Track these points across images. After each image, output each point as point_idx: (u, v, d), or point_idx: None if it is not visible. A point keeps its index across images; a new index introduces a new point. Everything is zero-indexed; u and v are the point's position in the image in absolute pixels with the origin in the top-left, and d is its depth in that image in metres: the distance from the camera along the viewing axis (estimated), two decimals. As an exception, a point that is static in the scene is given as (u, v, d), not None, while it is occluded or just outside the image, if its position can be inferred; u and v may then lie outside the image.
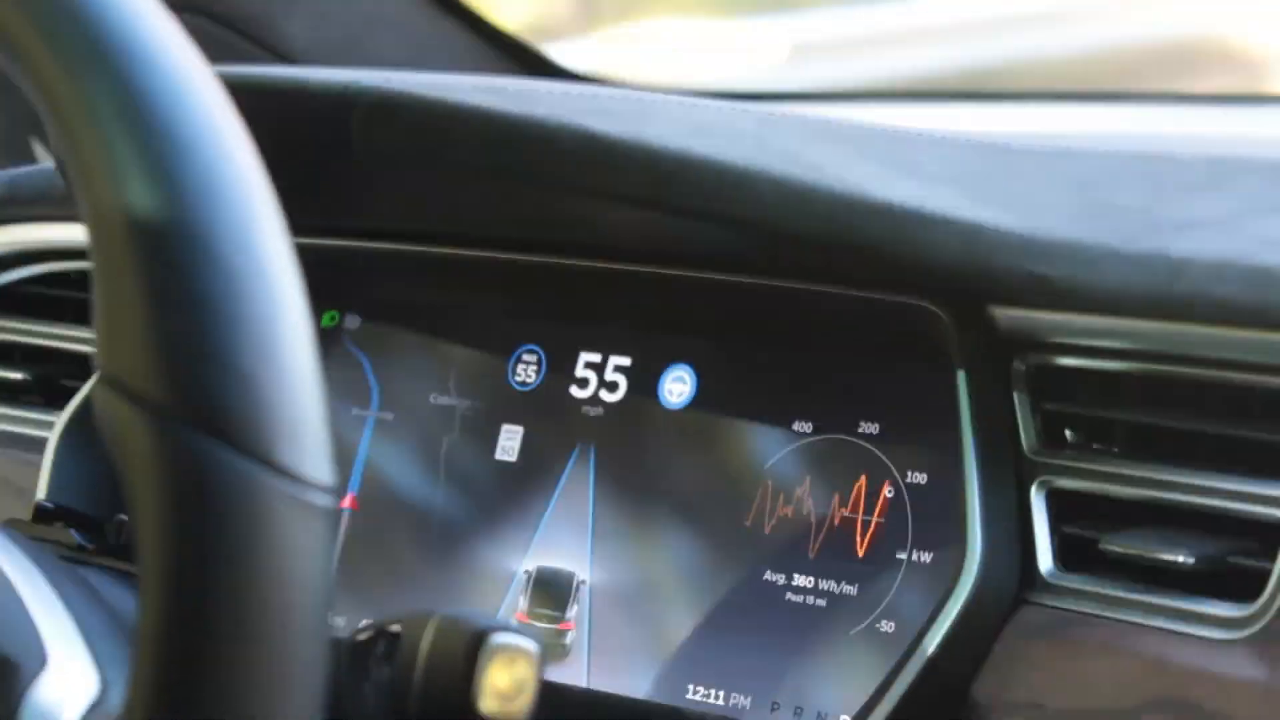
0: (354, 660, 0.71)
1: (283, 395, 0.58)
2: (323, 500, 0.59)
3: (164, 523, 0.57)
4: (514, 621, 1.05)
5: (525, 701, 0.68)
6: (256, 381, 0.57)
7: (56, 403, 1.24)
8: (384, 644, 0.71)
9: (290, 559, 0.58)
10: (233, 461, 0.57)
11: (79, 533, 0.90)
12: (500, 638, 0.68)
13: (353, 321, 1.17)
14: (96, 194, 0.58)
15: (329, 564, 0.60)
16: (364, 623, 0.72)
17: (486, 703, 0.68)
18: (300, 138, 0.99)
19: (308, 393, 0.59)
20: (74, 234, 1.26)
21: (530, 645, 0.68)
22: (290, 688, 0.59)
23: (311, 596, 0.59)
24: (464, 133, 0.96)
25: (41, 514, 0.93)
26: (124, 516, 0.88)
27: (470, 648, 0.68)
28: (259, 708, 0.58)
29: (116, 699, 0.67)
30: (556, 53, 1.72)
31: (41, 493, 1.16)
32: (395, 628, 0.71)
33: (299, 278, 0.60)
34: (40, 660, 0.68)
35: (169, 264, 0.57)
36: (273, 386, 0.58)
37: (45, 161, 1.63)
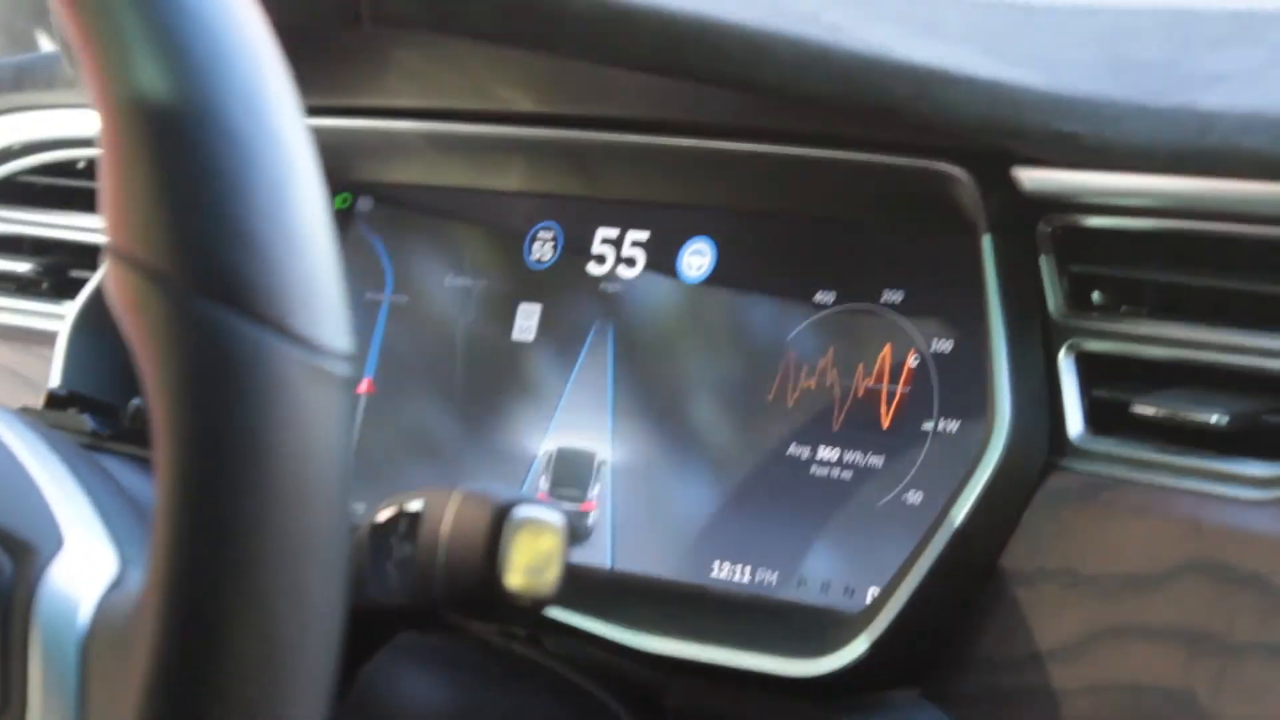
0: (375, 539, 0.71)
1: (297, 264, 0.57)
2: (340, 368, 0.58)
3: (179, 393, 0.56)
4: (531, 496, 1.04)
5: (552, 576, 0.67)
6: (270, 250, 0.57)
7: (66, 294, 1.23)
8: (405, 522, 0.70)
9: (309, 427, 0.57)
10: (248, 330, 0.56)
11: (93, 418, 0.89)
12: (524, 510, 0.67)
13: (365, 204, 1.16)
14: (106, 73, 0.58)
15: (348, 433, 0.59)
16: (383, 503, 0.71)
17: (512, 577, 0.67)
18: (308, 11, 0.98)
19: (323, 262, 0.58)
20: (81, 122, 1.26)
21: (556, 518, 0.67)
22: (313, 564, 0.58)
23: (331, 466, 0.58)
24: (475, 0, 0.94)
25: (55, 401, 0.92)
26: (138, 401, 0.88)
27: (494, 522, 0.67)
28: (282, 580, 0.57)
29: (135, 577, 0.66)
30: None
31: (55, 382, 1.15)
32: (416, 506, 0.70)
33: (312, 149, 0.59)
34: (57, 541, 0.68)
35: (179, 137, 0.57)
36: (287, 255, 0.57)
37: (49, 49, 1.61)
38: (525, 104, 1.08)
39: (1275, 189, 0.84)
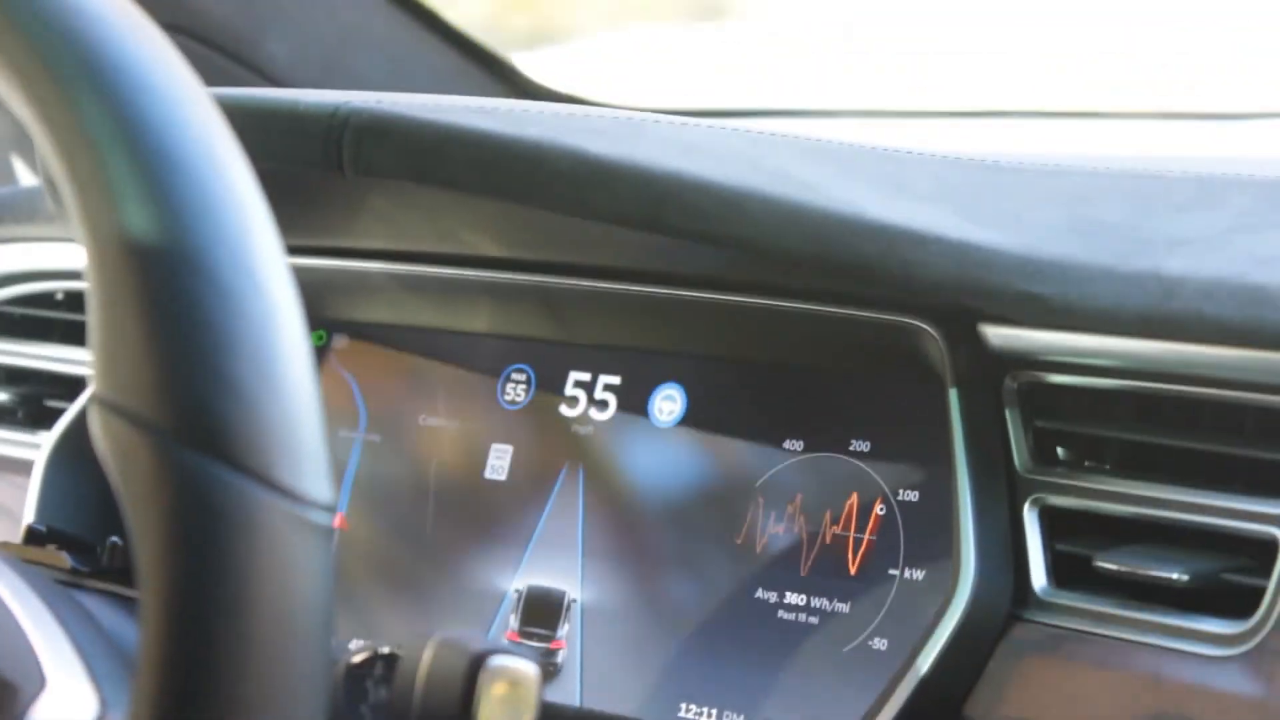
0: (351, 682, 0.71)
1: (282, 414, 0.58)
2: (323, 519, 0.59)
3: (164, 543, 0.57)
4: (505, 641, 1.05)
5: (525, 724, 0.68)
6: (255, 401, 0.57)
7: (42, 424, 1.24)
8: (381, 666, 0.71)
9: (291, 578, 0.58)
10: (233, 481, 0.57)
11: (72, 555, 0.89)
12: (500, 660, 0.68)
13: (340, 341, 1.17)
14: (93, 215, 0.58)
15: (329, 583, 0.60)
16: (358, 644, 0.71)
17: (486, 725, 0.67)
18: (291, 159, 0.99)
19: (306, 412, 0.59)
20: (61, 255, 1.27)
21: (530, 668, 0.68)
22: (293, 709, 0.59)
23: (313, 615, 0.59)
24: (457, 154, 0.96)
25: (33, 537, 0.93)
26: (117, 539, 0.88)
27: (470, 670, 0.68)
28: (263, 728, 0.58)
29: (116, 718, 0.67)
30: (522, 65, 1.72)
31: (30, 515, 1.16)
32: (391, 649, 0.70)
33: (297, 298, 0.60)
34: (39, 682, 0.68)
35: (166, 285, 0.57)
36: (271, 406, 0.58)
37: (27, 181, 1.62)
38: (495, 250, 1.10)
39: (1237, 354, 0.86)
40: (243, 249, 0.58)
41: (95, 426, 0.58)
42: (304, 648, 0.59)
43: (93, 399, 0.58)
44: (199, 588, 0.57)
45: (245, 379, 0.57)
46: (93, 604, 0.79)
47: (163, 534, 0.57)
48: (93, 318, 0.58)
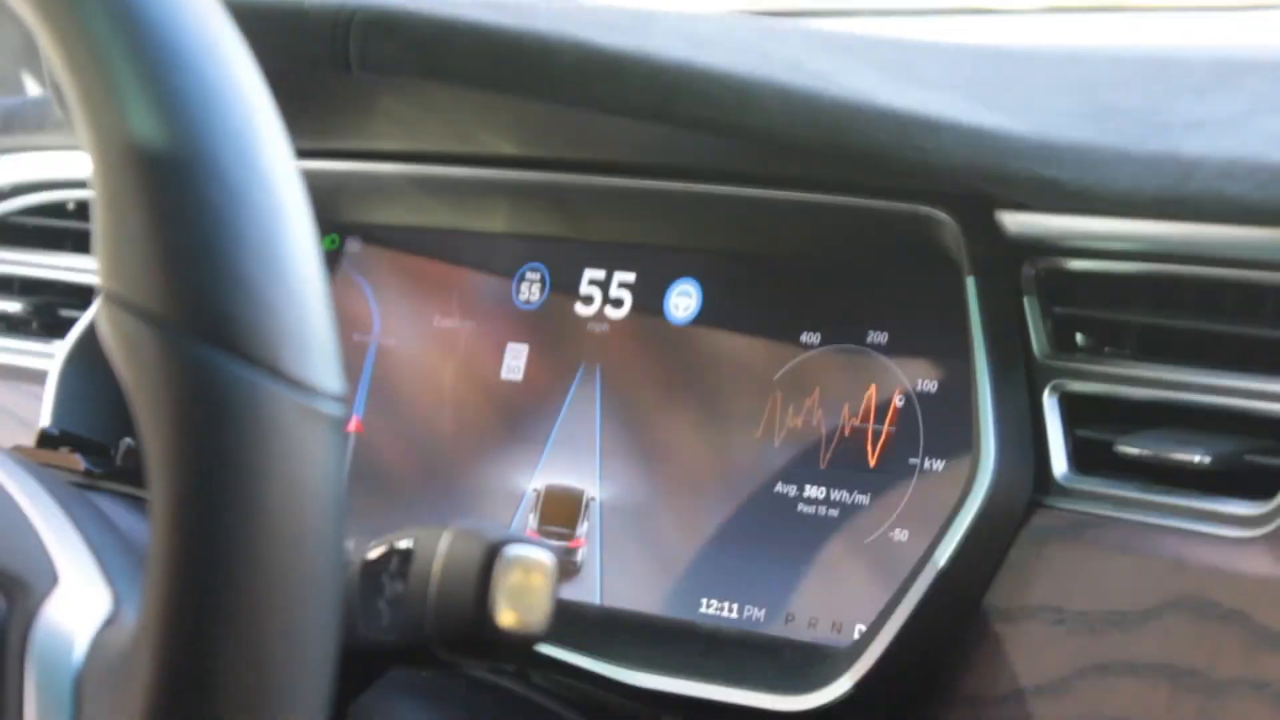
0: (366, 577, 0.71)
1: (289, 305, 0.58)
2: (333, 409, 0.59)
3: (173, 435, 0.57)
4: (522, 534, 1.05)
5: (542, 613, 0.68)
6: (262, 292, 0.57)
7: (56, 333, 1.24)
8: (396, 560, 0.70)
9: (302, 468, 0.58)
10: (240, 372, 0.57)
11: (85, 457, 0.90)
12: (515, 549, 0.67)
13: (354, 245, 1.17)
14: (97, 117, 0.58)
15: (341, 473, 0.59)
16: (374, 541, 0.71)
17: (503, 615, 0.67)
18: (298, 58, 0.99)
19: (314, 303, 0.59)
20: (71, 164, 1.26)
21: (546, 556, 0.68)
22: (306, 602, 0.59)
23: (325, 506, 0.59)
24: (464, 48, 0.95)
25: (47, 439, 0.93)
26: (130, 440, 0.88)
27: (485, 560, 0.67)
28: (275, 622, 0.58)
29: (130, 615, 0.67)
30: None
31: (45, 421, 1.16)
32: (407, 543, 0.70)
33: (303, 192, 0.60)
34: (51, 578, 0.68)
35: (172, 179, 0.57)
36: (279, 297, 0.58)
37: (36, 93, 1.62)
38: (509, 148, 1.09)
39: (1256, 233, 0.85)
40: (248, 145, 0.58)
41: (102, 322, 0.58)
42: (317, 540, 0.59)
43: (100, 295, 0.58)
44: (207, 480, 0.57)
45: (252, 272, 0.57)
46: (105, 504, 0.79)
47: (171, 426, 0.57)
48: (98, 216, 0.58)
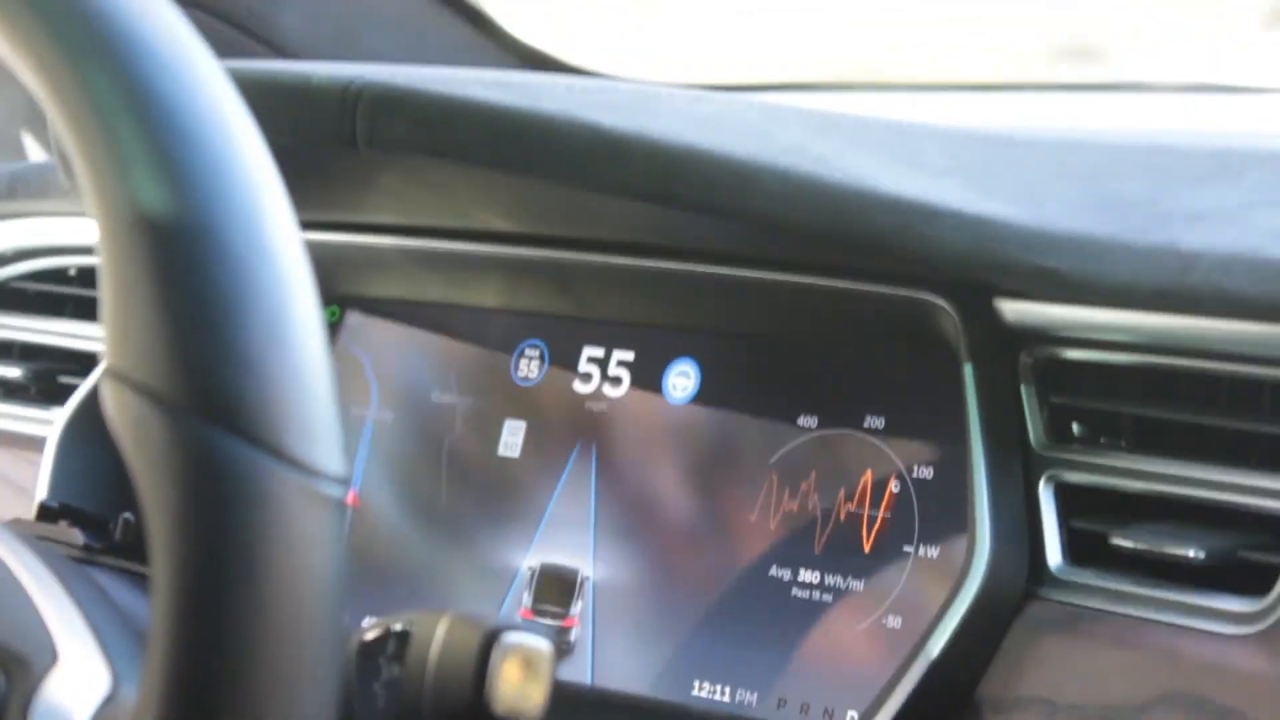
0: (363, 659, 0.71)
1: (294, 387, 0.58)
2: (336, 491, 0.59)
3: (176, 517, 0.57)
4: (518, 619, 1.05)
5: (538, 702, 0.68)
6: (268, 374, 0.57)
7: (55, 400, 1.23)
8: (394, 643, 0.70)
9: (304, 552, 0.58)
10: (245, 454, 0.56)
11: (84, 531, 0.89)
12: (514, 637, 0.67)
13: (354, 318, 1.17)
14: (105, 188, 0.58)
15: (343, 557, 0.59)
16: (371, 621, 0.71)
17: (500, 703, 0.67)
18: (304, 134, 0.99)
19: (319, 385, 0.59)
20: (73, 230, 1.26)
21: (544, 645, 0.68)
22: (305, 684, 0.59)
23: (326, 590, 0.59)
24: (470, 127, 0.96)
25: (46, 513, 0.92)
26: (129, 515, 0.88)
27: (483, 647, 0.67)
28: (274, 703, 0.58)
29: (129, 694, 0.67)
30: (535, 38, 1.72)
31: (43, 491, 1.16)
32: (404, 626, 0.70)
33: (309, 271, 0.60)
34: (51, 656, 0.68)
35: (179, 258, 0.57)
36: (284, 379, 0.57)
37: (37, 156, 1.62)
38: (504, 225, 1.09)
39: (1255, 329, 0.85)
40: (255, 222, 0.58)
41: (107, 399, 0.58)
42: (317, 623, 0.59)
43: (105, 372, 0.58)
44: (210, 561, 0.57)
45: (258, 352, 0.57)
46: (105, 580, 0.78)
47: (174, 507, 0.57)
48: (105, 291, 0.58)
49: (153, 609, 0.57)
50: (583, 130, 0.94)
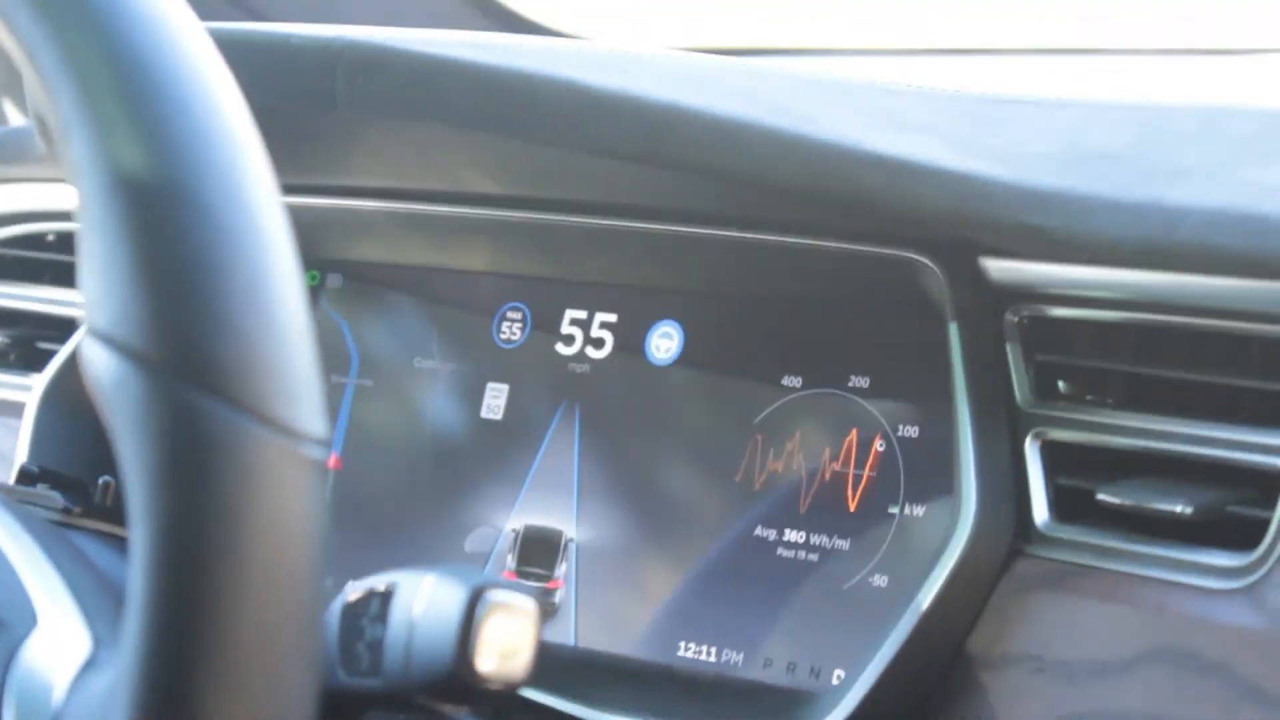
0: (347, 620, 0.70)
1: (274, 348, 0.58)
2: (317, 453, 0.58)
3: (156, 478, 0.56)
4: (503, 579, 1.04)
5: (524, 660, 0.67)
6: (248, 334, 0.57)
7: (35, 365, 1.23)
8: (376, 603, 0.70)
9: (285, 512, 0.57)
10: (225, 415, 0.56)
11: (64, 495, 0.89)
12: (497, 594, 0.67)
13: (334, 281, 1.17)
14: (85, 150, 0.58)
15: (324, 518, 0.59)
16: (354, 583, 0.71)
17: (484, 661, 0.67)
18: (285, 94, 0.98)
19: (300, 345, 0.58)
20: (52, 196, 1.26)
21: (529, 602, 0.67)
22: (287, 645, 0.58)
23: (307, 550, 0.58)
24: (451, 87, 0.95)
25: (25, 476, 0.92)
26: (109, 478, 0.88)
27: (467, 606, 0.67)
28: (256, 665, 0.57)
29: (109, 658, 0.66)
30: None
31: (23, 456, 1.15)
32: (387, 587, 0.70)
33: (289, 231, 0.59)
34: (30, 619, 0.68)
35: (159, 218, 0.57)
36: (264, 339, 0.57)
37: (16, 122, 1.61)
38: (492, 187, 1.09)
39: (1241, 284, 0.85)
40: (235, 182, 0.58)
41: (87, 361, 0.58)
42: (298, 583, 0.58)
43: (85, 333, 0.58)
44: (190, 523, 0.56)
45: (237, 312, 0.57)
46: (85, 543, 0.78)
47: (153, 468, 0.56)
48: (84, 252, 0.58)
49: (131, 572, 0.57)
50: (565, 89, 0.94)
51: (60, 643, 0.67)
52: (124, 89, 0.57)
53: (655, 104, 0.92)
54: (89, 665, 0.66)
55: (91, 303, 0.58)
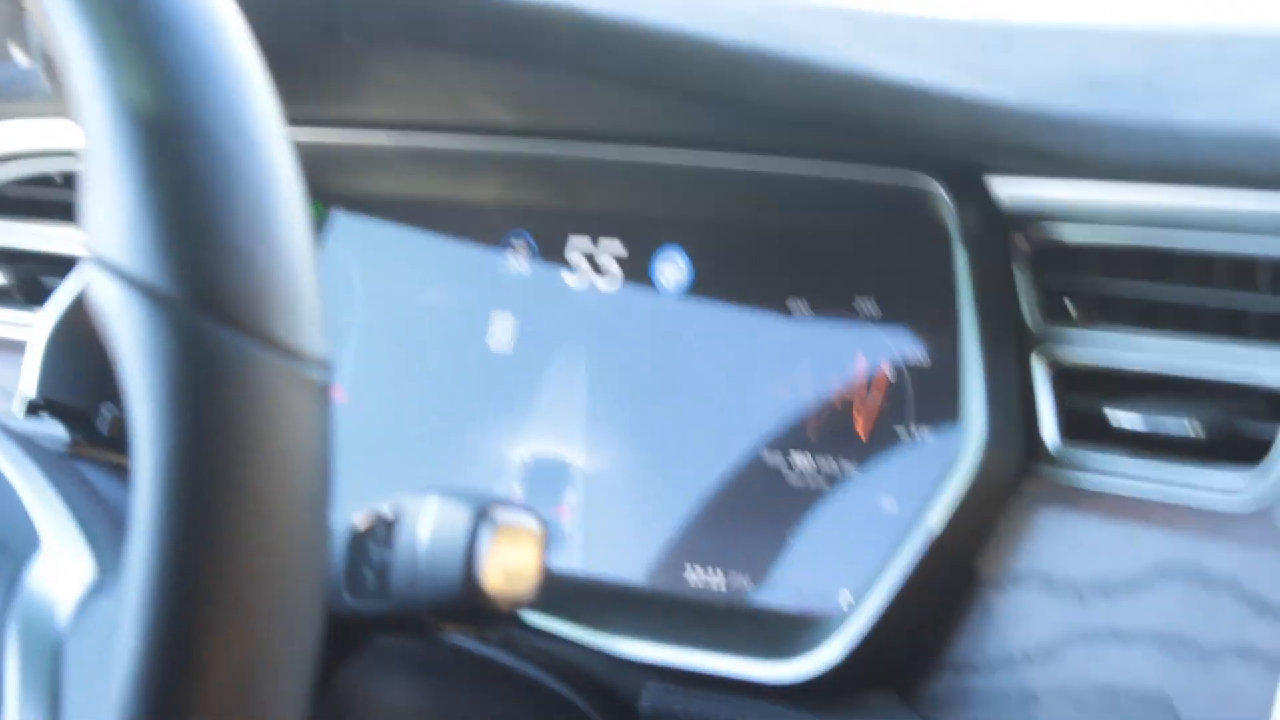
0: (353, 545, 0.70)
1: (277, 273, 0.58)
2: (321, 376, 0.58)
3: (161, 402, 0.56)
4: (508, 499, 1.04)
5: (530, 580, 0.67)
6: (251, 259, 0.57)
7: (40, 303, 1.23)
8: (383, 528, 0.70)
9: (290, 434, 0.57)
10: (228, 338, 0.56)
11: (68, 425, 0.89)
12: (503, 514, 0.67)
13: (339, 215, 1.16)
14: (91, 82, 0.58)
15: (329, 440, 0.59)
16: (361, 508, 0.71)
17: (490, 581, 0.67)
18: (290, 24, 0.98)
19: (302, 270, 0.59)
20: (56, 134, 1.25)
21: (534, 522, 0.67)
22: (294, 566, 0.58)
23: (313, 472, 0.58)
24: (456, 14, 0.94)
25: (31, 408, 0.92)
26: (113, 407, 0.88)
27: (472, 526, 0.67)
28: (262, 587, 0.57)
29: (113, 583, 0.66)
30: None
31: (29, 388, 1.15)
32: (393, 511, 0.70)
33: (293, 159, 0.59)
34: (33, 543, 0.68)
35: (162, 146, 0.57)
36: (267, 264, 0.57)
37: (22, 62, 1.61)
38: (501, 116, 1.08)
39: (1249, 200, 0.85)
40: (240, 114, 0.58)
41: (92, 287, 0.58)
42: (304, 505, 0.58)
43: (90, 261, 0.57)
44: (195, 445, 0.56)
45: (241, 238, 0.57)
46: (88, 471, 0.78)
47: (158, 393, 0.56)
48: (89, 181, 0.58)
49: (136, 497, 0.57)
50: (569, 15, 0.93)
51: (64, 567, 0.67)
52: (128, 22, 0.58)
53: (661, 31, 0.92)
54: (93, 591, 0.66)
55: (94, 231, 0.58)
